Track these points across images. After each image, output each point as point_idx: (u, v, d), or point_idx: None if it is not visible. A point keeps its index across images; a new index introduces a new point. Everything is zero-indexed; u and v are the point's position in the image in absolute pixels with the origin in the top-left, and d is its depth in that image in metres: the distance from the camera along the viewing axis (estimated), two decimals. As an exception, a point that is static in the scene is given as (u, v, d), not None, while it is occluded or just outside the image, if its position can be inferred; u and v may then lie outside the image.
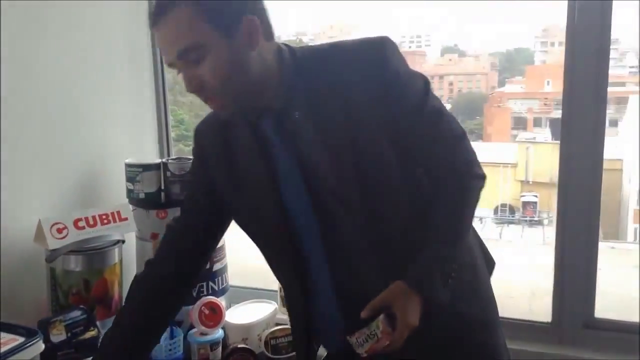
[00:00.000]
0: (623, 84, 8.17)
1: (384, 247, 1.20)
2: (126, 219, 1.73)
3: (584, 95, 1.68)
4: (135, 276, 1.38)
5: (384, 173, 1.18)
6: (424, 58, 9.92)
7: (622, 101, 7.92)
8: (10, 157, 1.59)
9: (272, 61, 1.16)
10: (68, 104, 1.79)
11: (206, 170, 1.32)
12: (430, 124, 1.20)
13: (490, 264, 1.41)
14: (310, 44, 1.23)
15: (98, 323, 1.60)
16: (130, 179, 1.82)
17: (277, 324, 1.84)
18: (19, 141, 1.62)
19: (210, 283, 1.84)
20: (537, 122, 9.50)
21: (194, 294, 1.80)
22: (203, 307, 1.72)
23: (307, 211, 1.22)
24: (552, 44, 9.91)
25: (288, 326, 1.78)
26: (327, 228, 1.22)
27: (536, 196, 7.94)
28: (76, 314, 1.53)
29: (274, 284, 1.94)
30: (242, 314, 1.86)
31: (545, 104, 9.41)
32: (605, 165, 1.72)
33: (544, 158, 7.92)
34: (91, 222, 1.65)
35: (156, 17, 1.10)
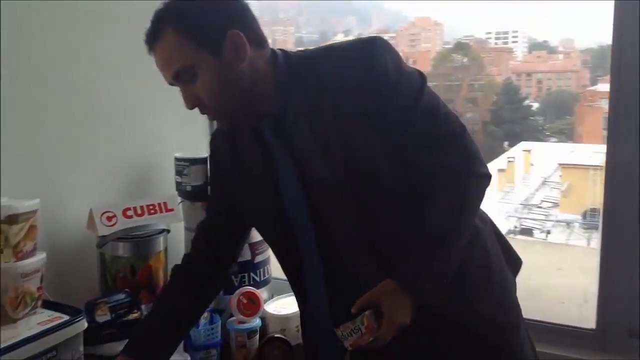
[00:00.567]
0: None
1: (377, 247, 1.22)
2: (172, 209, 1.82)
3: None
4: (174, 266, 1.48)
5: (374, 175, 1.19)
6: (511, 55, 9.62)
7: None
8: (68, 150, 1.73)
9: (265, 68, 1.19)
10: (124, 100, 1.90)
11: (220, 174, 1.41)
12: (425, 123, 1.18)
13: (515, 263, 1.38)
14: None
15: (143, 307, 1.70)
16: (178, 172, 1.92)
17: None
18: (77, 135, 1.75)
19: (252, 274, 1.91)
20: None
21: (236, 283, 1.87)
22: (242, 297, 1.78)
23: (303, 212, 1.26)
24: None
25: (327, 319, 1.83)
26: (322, 229, 1.25)
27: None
28: (121, 296, 1.64)
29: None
30: (282, 306, 1.91)
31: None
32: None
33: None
34: (139, 212, 1.76)
35: (149, 43, 1.18)
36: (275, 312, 1.86)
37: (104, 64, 1.83)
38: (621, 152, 1.63)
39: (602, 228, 1.68)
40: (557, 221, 7.50)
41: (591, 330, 1.74)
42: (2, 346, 1.28)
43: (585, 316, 1.80)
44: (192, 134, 2.17)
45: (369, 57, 1.16)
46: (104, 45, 1.83)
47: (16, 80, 1.58)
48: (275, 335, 1.78)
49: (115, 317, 1.60)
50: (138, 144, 1.97)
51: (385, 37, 1.23)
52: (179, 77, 1.17)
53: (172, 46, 1.15)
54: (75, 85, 1.75)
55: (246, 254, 1.89)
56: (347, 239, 1.23)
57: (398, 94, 1.17)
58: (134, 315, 1.64)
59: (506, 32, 10.20)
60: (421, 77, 1.22)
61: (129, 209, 1.74)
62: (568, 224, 7.67)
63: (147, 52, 1.20)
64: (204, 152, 2.03)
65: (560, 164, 8.09)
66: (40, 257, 1.50)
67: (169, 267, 1.83)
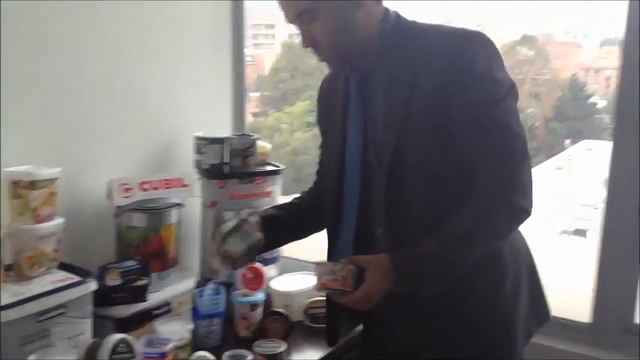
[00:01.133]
0: None
1: (394, 228, 1.28)
2: (188, 185, 1.92)
3: None
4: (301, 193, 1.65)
5: (419, 161, 1.24)
6: (579, 50, 9.28)
7: None
8: (92, 125, 1.85)
9: (376, 25, 1.28)
10: (150, 79, 2.01)
11: (320, 115, 1.53)
12: (488, 135, 1.19)
13: (540, 313, 1.39)
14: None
15: (154, 274, 1.81)
16: (198, 151, 2.02)
17: (323, 296, 1.95)
18: (101, 111, 1.87)
19: (261, 251, 1.99)
20: None
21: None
22: (247, 272, 1.86)
23: (357, 168, 1.34)
24: None
25: (329, 298, 1.89)
26: (365, 184, 1.33)
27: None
28: (131, 263, 1.75)
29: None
30: (288, 283, 1.99)
31: None
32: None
33: None
34: (155, 185, 1.86)
35: None
36: (279, 289, 1.94)
37: (132, 42, 1.94)
38: (625, 150, 1.61)
39: (601, 224, 1.67)
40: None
41: (586, 324, 1.74)
42: (15, 300, 1.42)
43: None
44: (212, 115, 2.27)
45: (462, 51, 1.19)
46: (133, 23, 1.93)
47: (46, 52, 1.70)
48: (277, 310, 1.86)
49: (125, 282, 1.72)
50: (161, 122, 2.07)
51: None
52: (301, 17, 1.26)
53: None
54: (104, 61, 1.86)
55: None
56: (378, 198, 1.29)
57: (474, 97, 1.18)
58: (143, 281, 1.75)
59: (575, 26, 9.85)
60: (509, 88, 1.21)
61: (145, 182, 1.84)
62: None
63: None
64: (223, 132, 2.13)
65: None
66: (58, 222, 1.64)
67: (182, 240, 1.95)
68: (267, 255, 2.00)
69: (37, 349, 1.42)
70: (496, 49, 1.22)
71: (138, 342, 1.50)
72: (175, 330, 1.63)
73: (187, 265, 2.04)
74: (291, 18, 1.28)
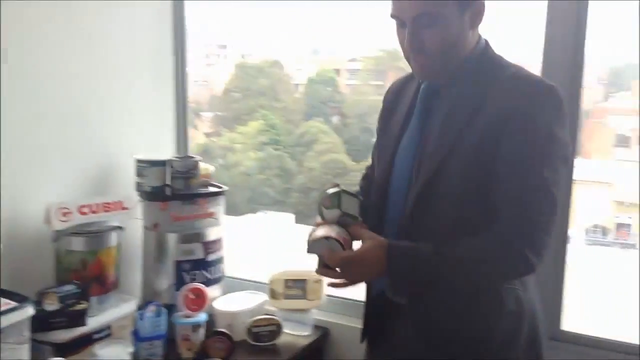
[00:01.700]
0: None
1: (415, 235, 1.31)
2: (127, 208, 1.93)
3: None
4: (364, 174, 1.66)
5: (453, 191, 1.27)
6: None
7: None
8: (31, 148, 1.84)
9: (471, 47, 1.31)
10: (88, 102, 2.01)
11: (383, 110, 1.54)
12: (525, 189, 1.21)
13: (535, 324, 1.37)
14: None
15: (94, 298, 1.81)
16: (139, 173, 2.02)
17: (266, 314, 1.97)
18: (41, 134, 1.86)
19: (204, 271, 2.00)
20: (643, 141, 8.88)
21: (188, 280, 1.97)
22: (188, 292, 1.87)
23: (405, 172, 1.37)
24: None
25: (272, 316, 1.93)
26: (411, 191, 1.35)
27: (630, 218, 7.44)
28: (70, 287, 1.74)
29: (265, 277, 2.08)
30: (231, 302, 2.00)
31: (653, 122, 8.78)
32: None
33: (646, 178, 7.39)
34: (94, 209, 1.86)
35: None
36: (222, 308, 1.96)
37: (68, 63, 1.93)
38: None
39: None
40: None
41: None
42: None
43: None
44: (155, 137, 2.28)
45: (530, 97, 1.23)
46: (68, 43, 1.93)
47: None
48: (220, 330, 1.87)
49: (63, 306, 1.71)
50: (101, 144, 2.07)
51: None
52: (419, 19, 1.25)
53: None
54: (38, 83, 1.85)
55: (199, 252, 1.99)
56: (410, 210, 1.32)
57: (527, 149, 1.21)
58: (82, 305, 1.74)
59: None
60: (564, 151, 1.24)
61: (84, 206, 1.84)
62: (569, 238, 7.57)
63: None
64: (166, 153, 2.15)
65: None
66: (-6, 247, 1.62)
67: (123, 262, 1.95)
68: (209, 275, 2.02)
69: (-28, 376, 1.41)
70: (564, 107, 1.25)
71: (77, 367, 1.50)
72: (115, 354, 1.63)
73: (128, 289, 2.03)
74: (406, 17, 1.26)
